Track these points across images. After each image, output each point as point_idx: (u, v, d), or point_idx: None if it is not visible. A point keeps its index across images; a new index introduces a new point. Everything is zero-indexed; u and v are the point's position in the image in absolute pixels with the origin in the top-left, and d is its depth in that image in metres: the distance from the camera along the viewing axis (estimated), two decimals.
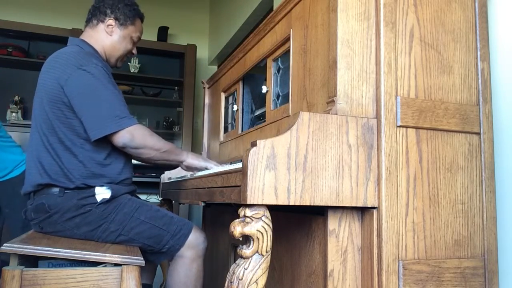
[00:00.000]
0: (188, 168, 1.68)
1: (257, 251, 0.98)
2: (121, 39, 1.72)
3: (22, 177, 2.59)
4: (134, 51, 1.81)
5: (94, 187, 1.52)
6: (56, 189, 1.51)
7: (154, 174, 4.05)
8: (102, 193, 1.52)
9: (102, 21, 1.70)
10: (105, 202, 1.50)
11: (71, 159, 1.53)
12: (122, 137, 1.48)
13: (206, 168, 1.62)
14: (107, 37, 1.70)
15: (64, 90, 1.50)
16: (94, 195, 1.50)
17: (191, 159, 1.66)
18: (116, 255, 1.33)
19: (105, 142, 1.53)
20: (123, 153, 1.61)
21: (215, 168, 1.60)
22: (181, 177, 1.93)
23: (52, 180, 1.51)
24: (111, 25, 1.70)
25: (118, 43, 1.72)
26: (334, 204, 1.03)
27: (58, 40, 4.01)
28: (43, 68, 1.61)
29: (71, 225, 1.49)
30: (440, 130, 1.15)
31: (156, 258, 1.58)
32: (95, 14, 1.71)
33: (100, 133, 1.47)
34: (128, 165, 1.68)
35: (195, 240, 1.56)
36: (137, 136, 1.49)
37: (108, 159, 1.58)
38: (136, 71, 4.36)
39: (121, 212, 1.52)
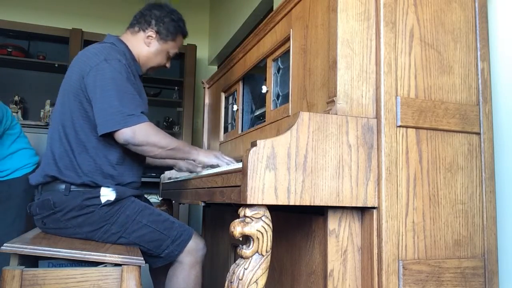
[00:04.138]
0: (201, 165, 1.66)
1: (257, 251, 0.98)
2: (157, 52, 1.73)
3: (20, 180, 2.59)
4: (168, 65, 1.82)
5: (100, 187, 1.52)
6: (62, 186, 1.52)
7: (154, 174, 4.05)
8: (107, 194, 1.51)
9: (144, 30, 1.70)
10: (108, 204, 1.50)
11: (83, 153, 1.54)
12: (124, 134, 1.46)
13: (218, 166, 1.59)
14: (144, 47, 1.71)
15: (84, 81, 1.52)
16: (99, 196, 1.51)
17: (202, 157, 1.61)
18: (116, 255, 1.33)
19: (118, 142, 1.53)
20: (135, 156, 1.62)
21: (225, 166, 1.57)
22: (181, 177, 1.93)
23: (60, 173, 1.52)
24: (151, 36, 1.70)
25: (153, 55, 1.73)
26: (334, 204, 1.03)
27: (58, 40, 4.02)
28: (73, 60, 1.63)
29: (74, 224, 1.50)
30: (440, 130, 1.15)
31: (153, 262, 1.58)
32: (140, 22, 1.71)
33: (105, 129, 1.46)
34: (139, 169, 1.69)
35: (194, 246, 1.56)
36: (139, 133, 1.47)
37: (119, 160, 1.59)
38: None
39: (124, 214, 1.52)
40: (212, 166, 1.61)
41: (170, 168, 2.09)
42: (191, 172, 1.84)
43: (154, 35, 1.70)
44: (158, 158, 1.59)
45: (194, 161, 1.63)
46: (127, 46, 1.69)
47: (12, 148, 2.58)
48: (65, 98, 1.58)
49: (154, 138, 1.50)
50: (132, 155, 1.61)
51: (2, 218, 2.55)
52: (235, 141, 1.99)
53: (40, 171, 1.59)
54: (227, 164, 1.59)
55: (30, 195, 2.64)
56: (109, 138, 1.51)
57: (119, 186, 1.56)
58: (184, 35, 1.80)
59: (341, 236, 1.10)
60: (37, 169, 1.61)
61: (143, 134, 1.47)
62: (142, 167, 1.74)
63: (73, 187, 1.52)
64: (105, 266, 1.33)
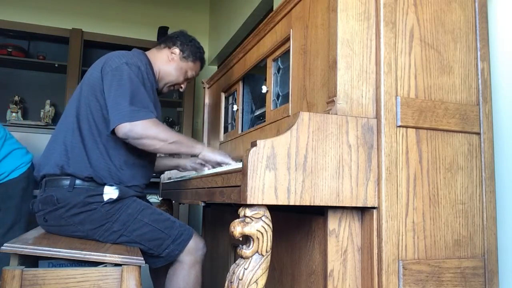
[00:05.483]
0: (205, 161, 1.66)
1: (257, 251, 0.98)
2: (177, 68, 1.83)
3: (17, 180, 2.59)
4: (183, 86, 1.91)
5: (104, 185, 1.54)
6: (66, 182, 1.53)
7: (154, 174, 4.05)
8: (110, 193, 1.53)
9: (169, 48, 1.84)
10: (111, 202, 1.52)
11: (93, 147, 1.57)
12: (123, 127, 1.47)
13: (223, 163, 1.59)
14: (167, 62, 1.82)
15: (103, 80, 1.57)
16: (102, 194, 1.52)
17: (207, 152, 1.62)
18: (116, 255, 1.33)
19: (129, 144, 1.55)
20: (144, 160, 1.64)
21: (232, 164, 1.56)
22: (181, 177, 1.93)
23: (68, 163, 1.54)
24: (175, 53, 1.83)
25: (173, 71, 1.82)
26: (334, 204, 1.03)
27: (58, 40, 4.01)
28: (97, 60, 1.70)
29: (75, 221, 1.51)
30: (440, 130, 1.15)
31: (153, 262, 1.58)
32: (166, 41, 1.87)
33: (112, 125, 1.49)
34: (145, 173, 1.70)
35: (194, 246, 1.57)
36: (137, 126, 1.48)
37: (128, 161, 1.61)
38: None
39: (125, 213, 1.53)
40: (217, 164, 1.60)
41: (175, 168, 2.10)
42: (196, 171, 1.84)
43: (177, 52, 1.83)
44: (162, 152, 1.60)
45: (198, 155, 1.63)
46: (149, 60, 1.77)
47: (2, 153, 2.58)
48: (82, 92, 1.63)
49: (153, 131, 1.50)
50: (140, 159, 1.63)
51: (2, 219, 2.55)
52: (235, 141, 1.99)
53: (50, 161, 1.58)
54: (234, 161, 1.58)
55: (28, 194, 2.64)
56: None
57: (122, 185, 1.57)
58: (202, 63, 1.92)
59: (341, 236, 1.10)
60: (45, 159, 1.61)
61: (141, 127, 1.48)
62: (148, 173, 1.75)
63: (77, 182, 1.53)
64: (105, 266, 1.33)
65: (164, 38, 1.89)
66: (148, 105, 1.54)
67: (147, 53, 1.82)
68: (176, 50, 1.82)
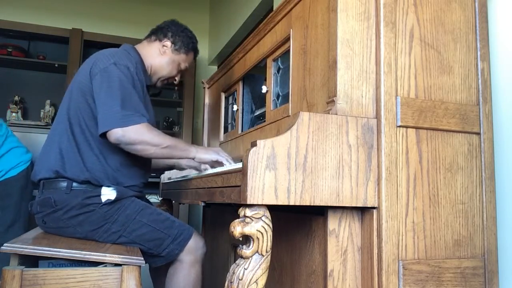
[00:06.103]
0: (201, 163, 1.65)
1: (257, 251, 0.98)
2: (170, 61, 1.78)
3: (15, 179, 2.60)
4: (177, 78, 1.86)
5: (101, 186, 1.53)
6: (64, 184, 1.52)
7: (154, 174, 4.04)
8: (108, 194, 1.52)
9: (160, 40, 1.78)
10: (109, 203, 1.51)
11: (87, 151, 1.55)
12: (115, 133, 1.44)
13: (217, 161, 1.59)
14: (158, 55, 1.77)
15: (91, 81, 1.54)
16: (99, 195, 1.51)
17: (201, 153, 1.60)
18: (116, 255, 1.33)
19: None
20: (139, 160, 1.62)
21: (225, 163, 1.57)
22: (181, 177, 1.93)
23: (64, 168, 1.53)
24: (166, 46, 1.77)
25: (165, 64, 1.78)
26: (334, 204, 1.03)
27: (58, 40, 4.01)
28: (85, 60, 1.66)
29: (74, 223, 1.50)
30: (440, 130, 1.15)
31: (153, 261, 1.58)
32: (156, 32, 1.80)
33: (101, 129, 1.47)
34: (142, 173, 1.69)
35: (194, 245, 1.57)
36: (130, 131, 1.45)
37: (123, 162, 1.59)
38: None
39: (124, 213, 1.52)
40: (214, 162, 1.60)
41: (171, 168, 2.10)
42: (196, 170, 1.84)
43: (169, 45, 1.77)
44: (155, 157, 1.59)
45: (193, 159, 1.62)
46: (140, 56, 1.73)
47: (2, 150, 2.58)
48: (73, 95, 1.60)
49: (146, 136, 1.48)
50: (137, 159, 1.62)
51: (2, 218, 2.56)
52: (235, 141, 1.99)
53: (46, 166, 1.57)
54: (227, 160, 1.59)
55: (27, 193, 2.65)
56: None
57: (120, 186, 1.56)
58: (196, 53, 1.87)
59: (341, 236, 1.10)
60: (40, 164, 1.61)
61: (134, 132, 1.46)
62: (146, 172, 1.73)
63: (74, 185, 1.53)
64: (105, 266, 1.33)
65: (155, 29, 1.82)
66: (140, 108, 1.51)
67: (137, 46, 1.77)
68: (168, 43, 1.77)
